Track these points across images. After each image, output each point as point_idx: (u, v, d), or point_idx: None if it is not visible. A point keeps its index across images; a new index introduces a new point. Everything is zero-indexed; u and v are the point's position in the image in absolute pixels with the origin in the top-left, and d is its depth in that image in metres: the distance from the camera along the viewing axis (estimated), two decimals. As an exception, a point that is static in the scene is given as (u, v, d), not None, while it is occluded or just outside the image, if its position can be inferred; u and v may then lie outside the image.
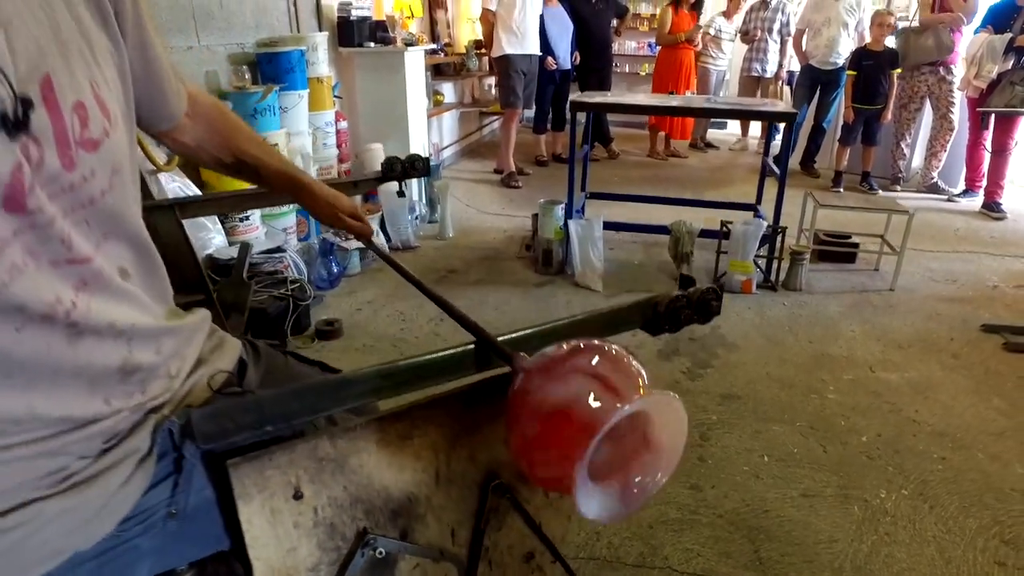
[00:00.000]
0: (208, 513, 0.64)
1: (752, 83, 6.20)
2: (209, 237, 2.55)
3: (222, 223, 2.65)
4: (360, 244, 1.59)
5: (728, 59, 6.43)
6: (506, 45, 4.73)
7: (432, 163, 4.17)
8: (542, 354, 0.62)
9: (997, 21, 4.50)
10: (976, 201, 4.77)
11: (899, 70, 4.83)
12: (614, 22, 5.92)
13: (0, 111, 0.44)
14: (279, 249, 2.65)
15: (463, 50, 5.77)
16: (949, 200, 4.93)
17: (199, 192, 2.51)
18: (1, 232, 0.45)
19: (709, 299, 0.88)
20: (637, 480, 0.63)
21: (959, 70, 4.78)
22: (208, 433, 0.61)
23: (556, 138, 5.93)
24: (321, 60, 3.21)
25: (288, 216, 3.01)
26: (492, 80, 5.98)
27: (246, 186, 1.08)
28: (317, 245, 3.02)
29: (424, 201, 4.05)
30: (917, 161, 5.43)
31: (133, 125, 0.62)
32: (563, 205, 3.20)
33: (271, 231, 2.91)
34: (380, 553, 0.71)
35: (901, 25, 5.01)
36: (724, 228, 3.10)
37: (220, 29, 2.84)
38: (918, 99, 4.96)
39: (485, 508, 0.83)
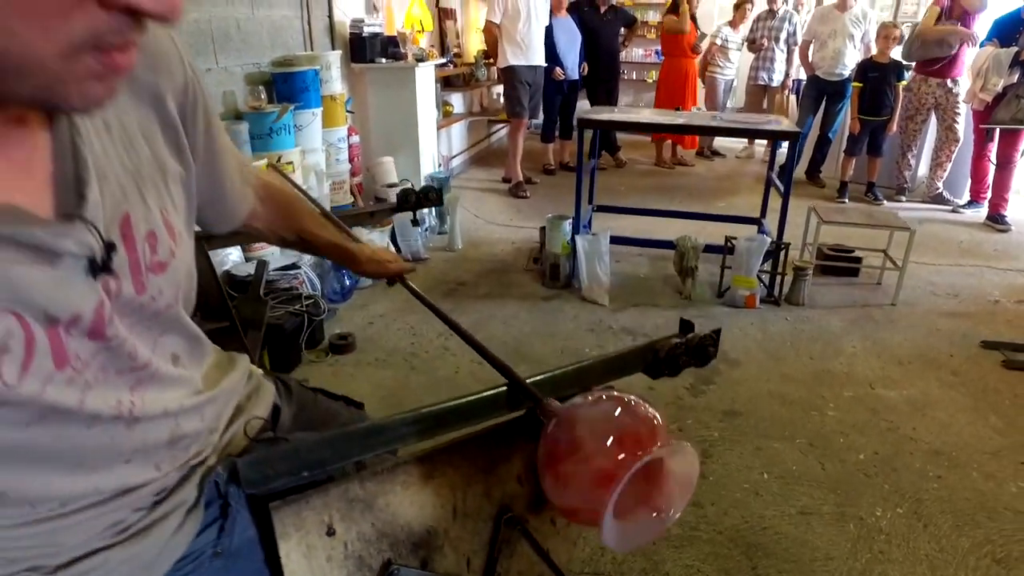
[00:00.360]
0: (250, 551, 0.71)
1: (759, 92, 6.25)
2: (226, 254, 2.64)
3: (239, 239, 2.74)
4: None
5: (735, 67, 6.47)
6: (511, 57, 4.80)
7: (442, 176, 4.26)
8: (572, 403, 0.71)
9: (1003, 35, 4.53)
10: (981, 212, 4.81)
11: (904, 82, 4.87)
12: (623, 32, 5.99)
13: (88, 257, 0.50)
14: (294, 266, 2.73)
15: (472, 59, 5.85)
16: (954, 211, 4.96)
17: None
18: (83, 356, 0.51)
19: (706, 345, 0.94)
20: (654, 515, 0.71)
21: (965, 82, 4.81)
22: (252, 479, 0.69)
23: (564, 146, 5.99)
24: (335, 78, 3.29)
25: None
26: (500, 88, 6.06)
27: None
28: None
29: (434, 213, 4.13)
30: (923, 171, 5.46)
31: (193, 230, 0.69)
32: (570, 220, 3.26)
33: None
34: (402, 581, 0.78)
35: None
36: (728, 243, 3.16)
37: (237, 50, 2.92)
38: (924, 110, 4.99)
39: (498, 539, 0.90)
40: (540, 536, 0.96)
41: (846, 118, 5.19)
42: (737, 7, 6.22)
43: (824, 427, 2.23)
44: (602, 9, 5.65)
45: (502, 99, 5.94)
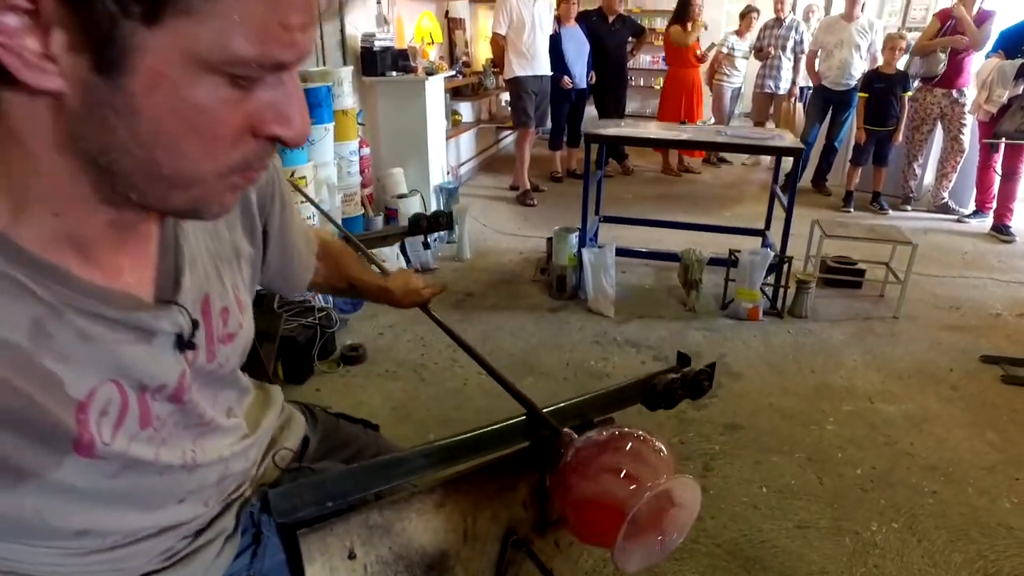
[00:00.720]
0: (280, 574, 0.78)
1: (765, 99, 6.30)
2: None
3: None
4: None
5: (743, 75, 6.52)
6: (516, 67, 4.87)
7: (450, 186, 4.33)
8: (587, 437, 0.78)
9: (1008, 46, 4.56)
10: (986, 222, 4.83)
11: (910, 92, 4.91)
12: (631, 41, 6.05)
13: (177, 334, 0.58)
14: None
15: (481, 68, 5.92)
16: (959, 221, 4.99)
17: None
18: (162, 416, 0.59)
19: (701, 380, 1.00)
20: (660, 539, 0.78)
21: (971, 93, 4.84)
22: (282, 509, 0.75)
23: (571, 154, 6.05)
24: (346, 93, 3.37)
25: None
26: (508, 96, 6.13)
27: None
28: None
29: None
30: (928, 180, 5.49)
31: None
32: (576, 233, 3.33)
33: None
34: (417, 602, 0.85)
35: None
36: (732, 256, 3.21)
37: (253, 67, 3.00)
38: (930, 121, 5.02)
39: (505, 559, 0.97)
40: (544, 556, 1.03)
41: (852, 127, 5.23)
42: (743, 16, 6.27)
43: (823, 441, 2.28)
44: (610, 19, 5.71)
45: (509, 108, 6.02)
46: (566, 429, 0.84)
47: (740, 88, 6.62)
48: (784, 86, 6.16)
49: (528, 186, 5.29)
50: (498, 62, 5.10)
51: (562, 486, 0.77)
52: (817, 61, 5.48)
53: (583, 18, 5.55)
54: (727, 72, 6.38)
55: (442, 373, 2.68)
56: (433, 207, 4.19)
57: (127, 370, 0.54)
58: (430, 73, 4.04)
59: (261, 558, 0.77)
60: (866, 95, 4.96)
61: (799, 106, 6.44)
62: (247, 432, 0.76)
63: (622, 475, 0.71)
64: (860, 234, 3.42)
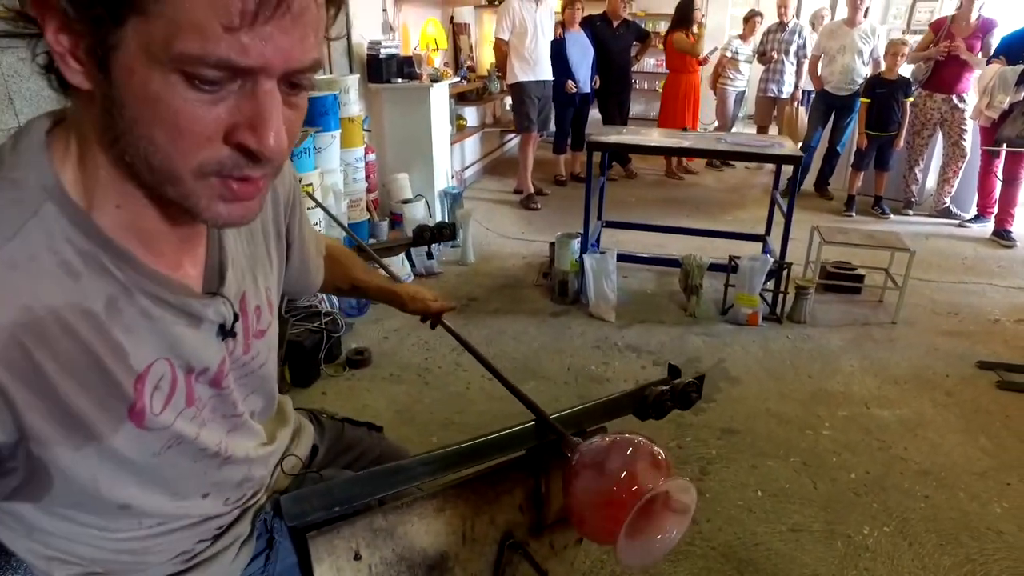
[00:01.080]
0: (291, 575, 0.84)
1: (768, 104, 6.33)
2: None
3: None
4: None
5: (746, 79, 6.55)
6: (519, 73, 4.93)
7: (455, 191, 4.39)
8: (591, 442, 0.84)
9: (1010, 52, 4.57)
10: (987, 227, 4.86)
11: (912, 98, 4.94)
12: (636, 46, 6.10)
13: (221, 323, 0.66)
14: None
15: (485, 72, 5.98)
16: (961, 225, 5.02)
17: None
18: (203, 399, 0.67)
19: (690, 392, 1.06)
20: (659, 537, 0.84)
21: (971, 98, 4.86)
22: (293, 513, 0.81)
23: (575, 157, 6.10)
24: (353, 100, 3.43)
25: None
26: (511, 100, 6.18)
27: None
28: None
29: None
30: (930, 185, 5.52)
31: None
32: (579, 239, 3.38)
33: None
34: (419, 600, 0.90)
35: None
36: (732, 262, 3.26)
37: (261, 76, 3.06)
38: (931, 126, 5.05)
39: (502, 561, 1.02)
40: (539, 558, 1.08)
41: (854, 132, 5.26)
42: (746, 20, 6.31)
43: (818, 446, 2.33)
44: (615, 23, 5.75)
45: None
46: (572, 435, 0.90)
47: (744, 92, 6.66)
48: (787, 90, 6.20)
49: (532, 190, 5.34)
50: (501, 67, 5.15)
51: (568, 487, 0.83)
52: (819, 66, 5.51)
53: (588, 23, 5.60)
54: (731, 76, 6.41)
55: (445, 377, 2.73)
56: (438, 211, 4.25)
57: (179, 350, 0.62)
58: (435, 80, 4.10)
59: (274, 562, 0.83)
60: (868, 100, 4.99)
61: (802, 110, 6.47)
62: (266, 441, 0.82)
63: (624, 477, 0.77)
64: (859, 240, 3.45)
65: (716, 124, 6.84)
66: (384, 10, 4.14)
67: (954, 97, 4.88)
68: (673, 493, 0.82)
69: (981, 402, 2.63)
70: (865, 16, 5.31)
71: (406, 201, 3.92)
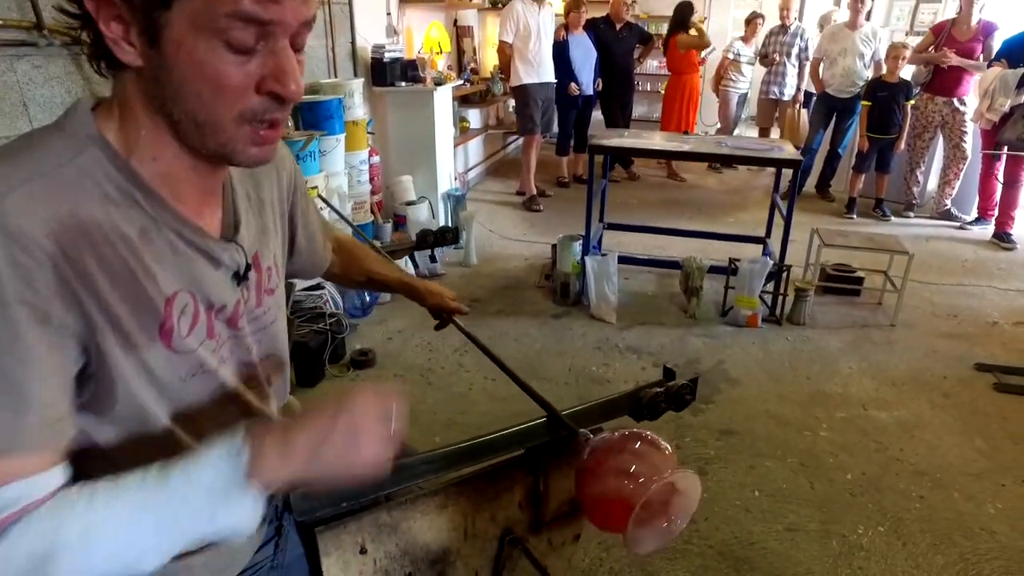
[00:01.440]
0: (299, 565, 0.88)
1: (770, 105, 6.36)
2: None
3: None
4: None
5: (749, 80, 6.58)
6: (523, 75, 4.97)
7: (458, 193, 4.43)
8: (603, 437, 0.88)
9: (1012, 55, 4.60)
10: (988, 229, 4.88)
11: (912, 101, 4.96)
12: (639, 48, 6.13)
13: (237, 268, 0.75)
14: (319, 286, 2.91)
15: (488, 75, 6.02)
16: (961, 227, 5.04)
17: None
18: (222, 335, 0.75)
19: (683, 394, 1.09)
20: (665, 525, 0.87)
21: (972, 101, 4.89)
22: (302, 509, 0.85)
23: (578, 159, 6.13)
24: (357, 104, 3.47)
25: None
26: (514, 102, 6.22)
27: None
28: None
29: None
30: (932, 186, 5.54)
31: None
32: (580, 242, 3.41)
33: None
34: (422, 593, 0.94)
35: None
36: (732, 265, 3.29)
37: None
38: (932, 129, 5.07)
39: (502, 556, 1.06)
40: (538, 554, 1.12)
41: (855, 135, 5.28)
42: (748, 22, 6.34)
43: (816, 447, 2.36)
44: (618, 26, 5.79)
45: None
46: (583, 430, 0.94)
47: (746, 94, 6.68)
48: (789, 92, 6.22)
49: (534, 192, 5.38)
50: (505, 70, 5.19)
51: (581, 479, 0.88)
52: (821, 68, 5.54)
53: (591, 26, 5.63)
54: (733, 78, 6.44)
55: (448, 377, 2.77)
56: (441, 213, 4.29)
57: (199, 285, 0.70)
58: (438, 83, 4.14)
59: (283, 550, 0.87)
60: (869, 103, 5.02)
61: (803, 112, 6.50)
62: (279, 410, 0.89)
63: (633, 469, 0.82)
64: (858, 243, 3.48)
65: (719, 126, 6.86)
66: (388, 14, 4.18)
67: (955, 100, 4.90)
68: (679, 484, 0.86)
69: (978, 404, 2.66)
70: (867, 19, 5.33)
71: (410, 203, 3.96)
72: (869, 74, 5.27)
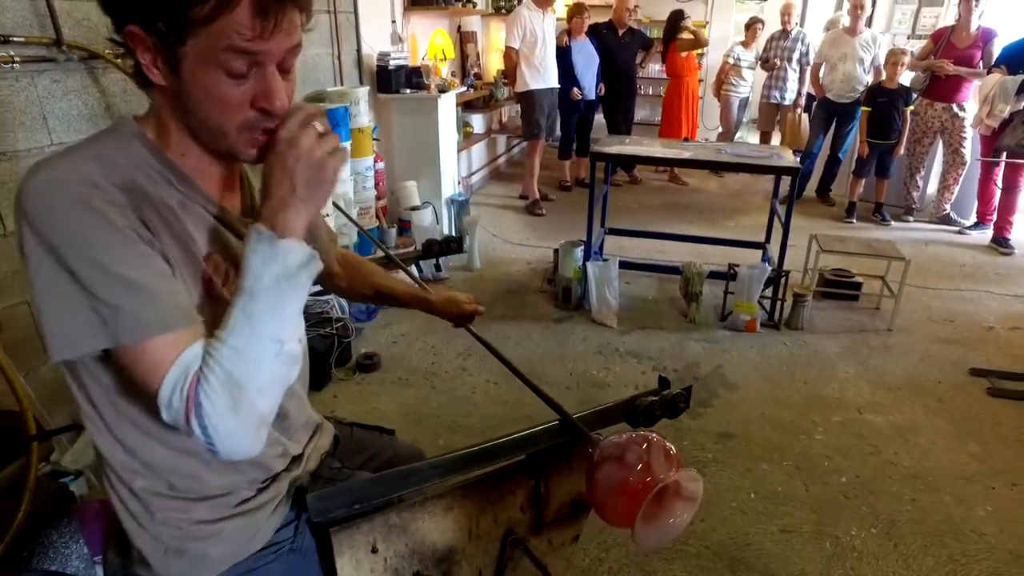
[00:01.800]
0: (316, 555, 0.95)
1: (771, 110, 6.40)
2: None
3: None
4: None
5: (749, 85, 6.63)
6: (530, 80, 5.04)
7: (461, 198, 4.49)
8: (611, 439, 0.94)
9: (1011, 61, 4.64)
10: (987, 234, 4.92)
11: (912, 107, 5.01)
12: (641, 54, 6.19)
13: None
14: (325, 291, 2.97)
15: (492, 79, 6.08)
16: (960, 232, 5.08)
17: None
18: None
19: (678, 402, 1.15)
20: (671, 521, 0.93)
21: (971, 107, 4.93)
22: (317, 510, 0.91)
23: (580, 163, 6.19)
24: (363, 111, 3.53)
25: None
26: (518, 106, 6.28)
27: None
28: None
29: (454, 234, 4.36)
30: (931, 191, 5.58)
31: None
32: (582, 247, 3.47)
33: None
34: (429, 589, 1.00)
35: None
36: (731, 270, 3.34)
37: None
38: (931, 134, 5.11)
39: (504, 555, 1.12)
40: (539, 554, 1.18)
41: (855, 140, 5.33)
42: (748, 27, 6.39)
43: (811, 450, 2.41)
44: (620, 32, 5.85)
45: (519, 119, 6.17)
46: (594, 433, 1.00)
47: (747, 98, 6.73)
48: (790, 97, 6.26)
49: (537, 196, 5.44)
50: (510, 75, 5.26)
51: (591, 478, 0.94)
52: (821, 74, 5.59)
53: (594, 31, 5.69)
54: (734, 82, 6.49)
55: (452, 381, 2.83)
56: (445, 218, 4.35)
57: (227, 249, 0.84)
58: (442, 90, 4.20)
59: (303, 532, 0.96)
60: (869, 109, 5.06)
61: (804, 117, 6.54)
62: (301, 400, 1.00)
63: (641, 468, 0.88)
64: (856, 249, 3.53)
65: (720, 130, 6.91)
66: (393, 21, 4.25)
67: (954, 106, 4.94)
68: (683, 482, 0.92)
69: (972, 408, 2.70)
70: (867, 25, 5.38)
71: (414, 208, 4.02)
72: (869, 80, 5.31)
